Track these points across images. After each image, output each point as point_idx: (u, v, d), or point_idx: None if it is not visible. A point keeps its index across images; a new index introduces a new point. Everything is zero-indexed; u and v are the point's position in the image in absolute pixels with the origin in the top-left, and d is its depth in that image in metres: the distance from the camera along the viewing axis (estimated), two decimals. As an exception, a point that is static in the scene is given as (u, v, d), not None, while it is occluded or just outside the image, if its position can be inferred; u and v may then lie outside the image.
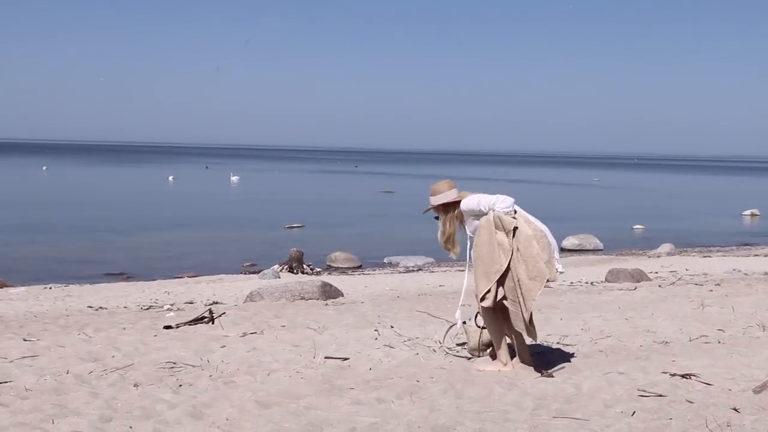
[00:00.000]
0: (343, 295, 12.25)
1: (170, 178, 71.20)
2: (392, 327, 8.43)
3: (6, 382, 5.73)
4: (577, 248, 28.01)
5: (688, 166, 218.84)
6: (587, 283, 14.85)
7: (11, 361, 6.53)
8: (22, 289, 16.34)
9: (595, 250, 27.77)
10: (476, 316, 6.83)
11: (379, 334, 7.91)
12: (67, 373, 6.08)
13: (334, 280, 16.22)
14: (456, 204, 6.50)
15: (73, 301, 13.25)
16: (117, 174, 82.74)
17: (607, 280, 15.01)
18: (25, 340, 7.63)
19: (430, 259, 23.66)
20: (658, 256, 25.07)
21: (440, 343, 7.29)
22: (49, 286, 16.92)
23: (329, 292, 11.93)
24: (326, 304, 10.77)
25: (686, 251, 27.15)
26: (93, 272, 20.64)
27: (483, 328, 6.69)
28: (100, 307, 11.60)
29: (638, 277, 14.78)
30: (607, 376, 5.94)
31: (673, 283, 13.75)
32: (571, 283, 14.98)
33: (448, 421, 4.80)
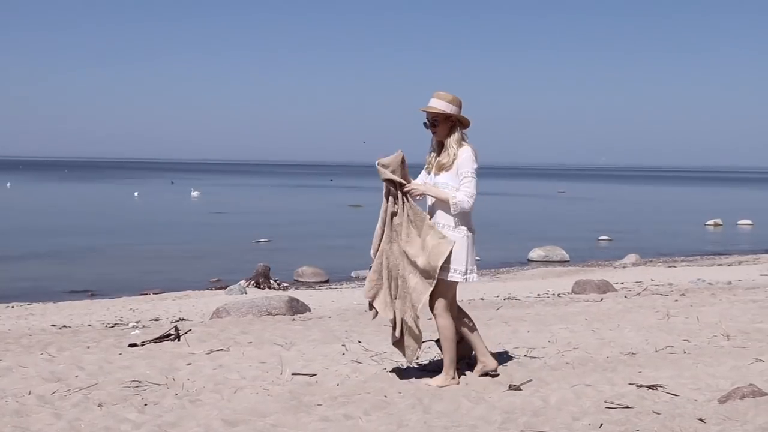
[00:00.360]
0: (310, 310, 12.20)
1: (135, 194, 70.75)
2: (359, 342, 8.40)
3: (-34, 404, 5.62)
4: (544, 260, 28.17)
5: (652, 176, 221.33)
6: (554, 294, 14.92)
7: (-28, 383, 6.41)
8: (-16, 308, 16.09)
9: (561, 262, 27.95)
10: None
11: (346, 350, 7.88)
12: (29, 394, 5.98)
13: (302, 294, 16.16)
14: (458, 127, 6.17)
15: (36, 320, 13.06)
16: (82, 190, 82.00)
17: (573, 291, 15.09)
18: (-14, 360, 7.50)
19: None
20: (624, 267, 25.27)
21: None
22: (11, 304, 16.67)
23: (296, 307, 11.87)
24: (293, 320, 10.72)
25: (651, 262, 27.42)
26: (56, 290, 20.40)
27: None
28: (64, 326, 11.45)
29: (604, 288, 14.88)
30: (574, 389, 5.96)
31: (639, 293, 13.85)
32: (538, 294, 15.04)
33: (417, 437, 4.79)
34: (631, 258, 27.52)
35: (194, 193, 71.47)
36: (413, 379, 6.43)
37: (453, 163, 6.14)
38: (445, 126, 6.21)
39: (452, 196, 6.07)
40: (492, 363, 6.47)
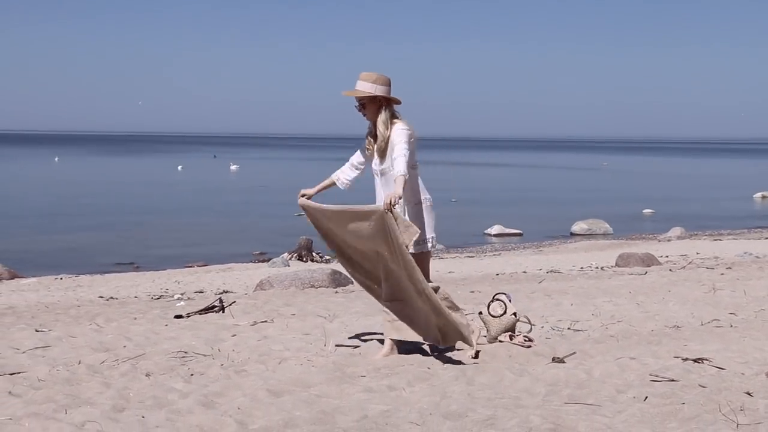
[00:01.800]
0: (352, 283, 12.24)
1: (179, 167, 71.42)
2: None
3: (19, 372, 5.75)
4: (587, 233, 27.96)
5: (697, 149, 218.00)
6: (597, 268, 14.82)
7: (24, 352, 6.55)
8: (34, 279, 16.40)
9: (604, 235, 27.72)
10: (489, 305, 6.83)
11: (389, 321, 7.90)
12: (79, 363, 6.09)
13: (344, 267, 16.21)
14: (386, 106, 6.04)
15: (83, 292, 13.29)
16: (127, 164, 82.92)
17: (617, 264, 14.98)
18: (37, 330, 7.66)
19: (439, 246, 23.61)
20: (669, 240, 25.01)
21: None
22: (60, 276, 16.98)
23: (339, 280, 11.93)
24: (336, 292, 10.78)
25: (697, 235, 27.08)
26: (103, 262, 20.73)
27: (498, 316, 6.69)
28: (111, 297, 11.64)
29: (648, 261, 14.75)
30: (618, 362, 5.92)
31: (684, 267, 13.71)
32: (581, 268, 14.96)
33: (460, 408, 4.80)
34: (676, 231, 27.20)
35: (233, 167, 71.98)
36: (456, 351, 6.44)
37: (387, 144, 6.03)
38: (373, 107, 6.09)
39: (396, 173, 5.84)
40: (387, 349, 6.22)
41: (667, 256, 16.98)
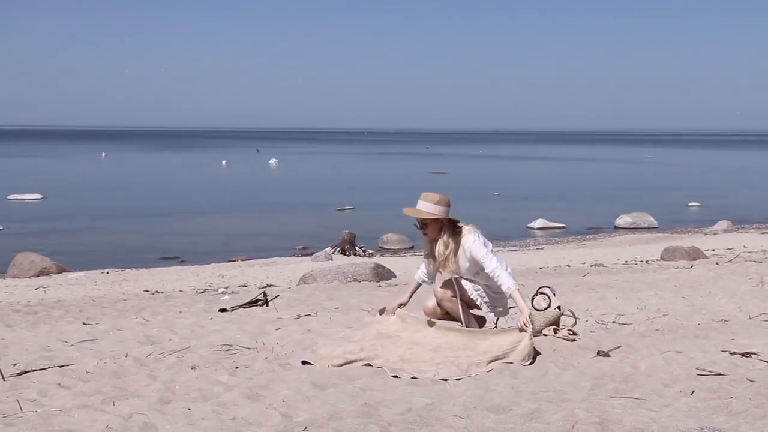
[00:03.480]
0: (395, 277, 12.27)
1: (223, 162, 72.01)
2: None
3: (68, 365, 5.84)
4: (631, 227, 27.70)
5: (745, 141, 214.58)
6: (642, 261, 14.67)
7: (72, 345, 6.66)
8: (81, 274, 16.66)
9: (649, 229, 27.45)
10: (533, 299, 6.80)
11: (432, 315, 7.89)
12: (126, 356, 6.17)
13: (387, 261, 16.25)
14: (450, 227, 6.31)
15: (129, 286, 13.47)
16: (172, 159, 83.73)
17: (662, 258, 14.81)
18: (84, 324, 7.77)
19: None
20: (715, 234, 24.67)
21: (494, 324, 7.25)
22: (106, 270, 17.23)
23: (382, 274, 11.95)
24: (379, 286, 10.79)
25: (744, 228, 26.67)
26: (148, 257, 20.99)
27: (542, 309, 6.65)
28: (157, 291, 11.77)
29: (694, 254, 14.56)
30: (664, 355, 5.85)
31: (731, 260, 13.51)
32: (626, 261, 14.82)
33: (504, 402, 4.78)
34: (723, 224, 26.83)
35: (272, 161, 72.45)
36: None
37: (457, 260, 6.29)
38: (434, 227, 6.30)
39: (509, 285, 6.18)
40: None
41: (713, 250, 16.75)
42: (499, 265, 6.21)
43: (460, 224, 6.35)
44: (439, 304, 6.49)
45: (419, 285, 6.73)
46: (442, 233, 6.28)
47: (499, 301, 6.56)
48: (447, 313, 6.58)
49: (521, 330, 6.07)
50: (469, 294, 6.42)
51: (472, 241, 6.25)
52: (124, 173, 58.73)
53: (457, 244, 6.29)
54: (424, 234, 6.37)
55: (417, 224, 6.38)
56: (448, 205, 6.30)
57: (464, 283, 6.46)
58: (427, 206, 6.26)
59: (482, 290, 6.46)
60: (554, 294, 6.84)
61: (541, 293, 6.83)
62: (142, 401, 4.84)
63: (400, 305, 6.59)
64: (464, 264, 6.32)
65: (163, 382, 5.33)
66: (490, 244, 6.35)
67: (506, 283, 6.16)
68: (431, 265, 6.45)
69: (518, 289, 6.18)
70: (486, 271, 6.24)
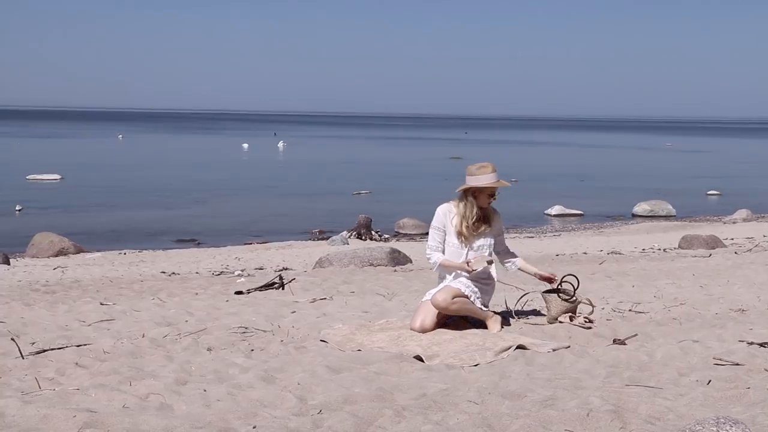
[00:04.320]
0: (411, 262, 12.26)
1: (245, 146, 72.13)
2: (461, 293, 8.41)
3: (85, 344, 5.89)
4: (649, 215, 27.56)
5: (765, 129, 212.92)
6: (660, 249, 14.60)
7: (89, 325, 6.71)
8: (98, 254, 16.76)
9: (667, 217, 27.30)
10: (559, 286, 6.80)
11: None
12: (143, 336, 6.22)
13: (403, 246, 16.25)
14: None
15: (146, 267, 13.54)
16: (191, 142, 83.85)
17: (680, 246, 14.74)
18: (101, 304, 7.83)
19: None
20: (734, 222, 24.52)
21: (509, 308, 7.25)
22: (123, 251, 17.32)
23: (398, 259, 11.95)
24: (395, 271, 10.80)
25: (764, 217, 26.48)
26: (165, 238, 21.08)
27: (568, 299, 6.66)
28: (173, 273, 11.82)
29: (713, 243, 14.47)
30: (681, 344, 5.83)
31: (750, 249, 13.43)
32: (643, 249, 14.75)
33: (519, 388, 4.78)
34: (742, 213, 26.65)
35: (280, 144, 72.69)
36: (516, 331, 6.41)
37: (492, 227, 6.63)
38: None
39: (513, 261, 6.82)
40: (495, 325, 6.54)
41: (732, 239, 16.65)
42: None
43: None
44: (444, 312, 6.38)
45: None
46: (493, 204, 6.64)
47: (487, 292, 6.60)
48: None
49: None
50: (463, 291, 6.42)
51: (500, 217, 6.73)
52: (143, 155, 58.87)
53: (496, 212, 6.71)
54: (485, 203, 6.54)
55: (495, 195, 6.58)
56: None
57: (456, 282, 6.49)
58: (499, 176, 6.56)
59: (472, 285, 6.48)
60: (578, 283, 6.87)
61: (567, 282, 6.84)
62: (159, 382, 4.88)
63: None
64: (494, 231, 6.63)
65: (179, 363, 5.36)
66: None
67: (516, 257, 6.84)
68: (466, 230, 6.47)
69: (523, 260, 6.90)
70: (503, 244, 6.78)
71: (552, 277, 6.73)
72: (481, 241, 6.53)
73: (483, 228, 6.52)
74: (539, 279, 6.77)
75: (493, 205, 6.60)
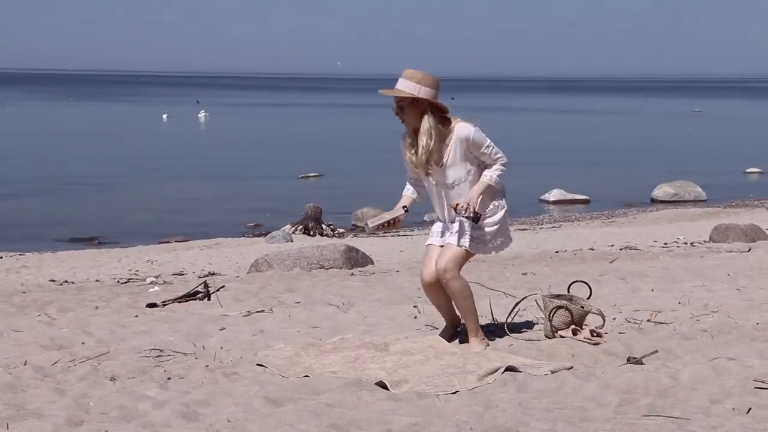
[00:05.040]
0: (372, 263, 12.28)
1: (164, 116, 71.70)
2: (436, 302, 8.43)
3: (-51, 376, 5.81)
4: (673, 199, 27.85)
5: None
6: (686, 243, 14.76)
7: (-45, 350, 6.62)
8: (-34, 258, 16.56)
9: (695, 201, 27.62)
10: (568, 291, 6.85)
11: (419, 312, 7.91)
12: (25, 364, 6.15)
13: (362, 243, 16.27)
14: (435, 111, 6.30)
15: (30, 274, 13.41)
16: (91, 112, 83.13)
17: (711, 239, 14.90)
18: (-29, 323, 7.73)
19: (484, 216, 23.59)
20: (779, 208, 24.85)
21: (496, 321, 7.27)
22: None
23: (355, 259, 11.97)
24: (352, 274, 10.81)
25: (817, 201, 26.90)
26: (56, 237, 20.92)
27: (580, 306, 6.69)
28: (66, 281, 11.73)
29: (753, 235, 14.64)
30: (713, 363, 5.89)
31: (799, 242, 13.62)
32: (665, 243, 14.90)
33: (509, 421, 4.80)
34: (790, 196, 27.03)
35: (201, 115, 72.53)
36: (504, 349, 6.44)
37: (456, 153, 6.33)
38: (413, 112, 6.31)
39: (490, 175, 6.38)
40: (478, 346, 6.51)
41: (776, 228, 16.85)
42: (503, 157, 6.42)
43: (449, 115, 6.39)
44: (442, 284, 6.45)
45: (413, 200, 6.71)
46: (425, 120, 6.28)
47: (484, 240, 6.55)
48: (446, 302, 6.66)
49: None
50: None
51: (470, 128, 6.33)
52: (27, 130, 58.17)
53: (446, 133, 6.32)
54: (402, 122, 6.39)
55: (394, 108, 6.39)
56: (435, 87, 6.31)
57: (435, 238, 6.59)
58: (406, 84, 6.28)
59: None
60: (590, 292, 6.93)
61: (580, 281, 6.93)
62: (46, 422, 4.83)
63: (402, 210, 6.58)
64: (454, 158, 6.33)
65: (74, 398, 5.31)
66: None
67: (494, 174, 6.37)
68: (410, 165, 6.46)
69: (490, 185, 6.37)
70: (489, 161, 6.39)
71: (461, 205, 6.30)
72: (450, 174, 6.38)
73: (434, 156, 6.31)
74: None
75: (458, 118, 6.39)
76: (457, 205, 6.20)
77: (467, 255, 6.42)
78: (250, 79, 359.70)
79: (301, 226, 20.73)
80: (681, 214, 23.73)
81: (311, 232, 20.51)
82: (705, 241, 14.82)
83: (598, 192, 29.09)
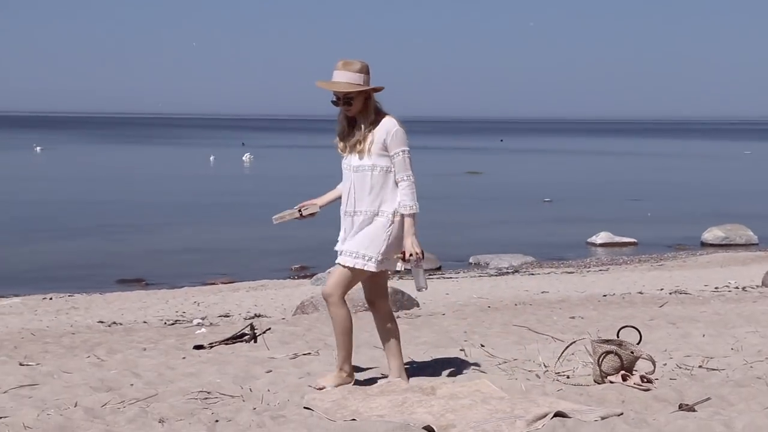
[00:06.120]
0: (418, 306, 12.28)
1: (211, 158, 72.11)
2: (482, 346, 8.41)
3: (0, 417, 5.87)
4: (724, 242, 27.59)
5: None
6: (737, 287, 14.62)
7: (5, 392, 6.68)
8: (17, 300, 16.72)
9: (747, 245, 27.34)
10: (617, 335, 6.82)
11: (466, 355, 7.90)
12: (75, 405, 6.19)
13: (408, 285, 16.24)
14: (368, 98, 6.42)
15: (79, 315, 13.52)
16: (136, 154, 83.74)
17: (764, 283, 14.77)
18: (21, 364, 7.81)
19: (529, 259, 23.54)
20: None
21: (546, 366, 7.24)
22: (49, 296, 17.29)
23: (401, 302, 11.98)
24: (398, 317, 10.81)
25: None
26: (104, 278, 21.03)
27: (630, 351, 6.67)
28: (114, 323, 11.82)
29: (808, 279, 14.51)
30: None
31: None
32: (716, 288, 14.76)
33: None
34: None
35: (246, 157, 72.75)
36: (554, 394, 6.40)
37: (374, 141, 6.45)
38: (360, 101, 6.44)
39: (408, 204, 6.47)
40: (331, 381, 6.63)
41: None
42: (411, 174, 6.44)
43: (382, 108, 6.51)
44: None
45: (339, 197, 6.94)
46: (369, 109, 6.44)
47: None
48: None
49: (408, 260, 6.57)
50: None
51: (394, 125, 6.43)
52: (70, 172, 58.69)
53: (377, 121, 6.46)
54: (347, 112, 6.46)
55: (336, 100, 6.46)
56: (369, 72, 6.43)
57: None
58: (350, 77, 6.37)
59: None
60: (640, 337, 6.89)
61: (630, 326, 6.90)
62: (96, 464, 4.86)
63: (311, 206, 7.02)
64: (370, 147, 6.44)
65: (123, 440, 5.35)
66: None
67: (407, 199, 6.44)
68: (339, 146, 6.60)
69: (415, 214, 6.48)
70: (395, 170, 6.44)
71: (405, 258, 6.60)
72: (363, 160, 6.50)
73: (356, 143, 6.48)
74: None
75: (391, 118, 6.48)
76: (403, 255, 6.51)
77: (357, 275, 6.60)
78: (294, 121, 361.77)
79: (347, 269, 20.75)
80: (732, 257, 23.50)
81: (357, 275, 20.52)
82: (757, 286, 14.69)
83: (647, 234, 28.90)
